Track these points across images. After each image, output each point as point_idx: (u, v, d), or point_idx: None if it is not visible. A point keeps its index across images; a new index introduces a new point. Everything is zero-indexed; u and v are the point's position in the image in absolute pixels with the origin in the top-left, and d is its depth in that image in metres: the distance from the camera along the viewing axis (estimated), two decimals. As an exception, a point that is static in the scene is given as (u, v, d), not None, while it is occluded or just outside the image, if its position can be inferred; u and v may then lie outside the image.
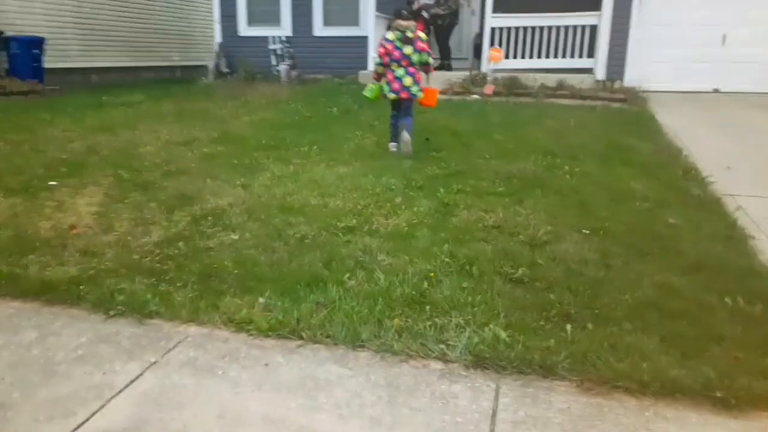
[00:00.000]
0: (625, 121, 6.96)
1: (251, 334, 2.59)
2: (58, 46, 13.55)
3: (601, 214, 3.89)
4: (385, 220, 3.84)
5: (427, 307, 2.75)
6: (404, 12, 5.88)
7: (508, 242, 3.49)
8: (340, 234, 3.63)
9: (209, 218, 3.95)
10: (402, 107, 5.76)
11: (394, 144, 5.80)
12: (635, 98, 8.50)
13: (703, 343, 2.44)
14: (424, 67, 5.77)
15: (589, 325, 2.60)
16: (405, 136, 5.57)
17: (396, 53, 5.59)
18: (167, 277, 3.11)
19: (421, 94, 5.73)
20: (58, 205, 4.15)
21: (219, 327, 2.66)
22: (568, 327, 2.58)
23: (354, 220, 3.82)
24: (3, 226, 3.77)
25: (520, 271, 3.08)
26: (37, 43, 11.83)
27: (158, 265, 3.26)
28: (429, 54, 5.78)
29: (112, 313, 2.78)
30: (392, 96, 5.71)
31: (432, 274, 3.07)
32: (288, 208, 4.12)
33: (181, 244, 3.53)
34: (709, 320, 2.63)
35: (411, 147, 5.55)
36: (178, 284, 3.04)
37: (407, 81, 5.61)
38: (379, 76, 5.80)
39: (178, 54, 17.99)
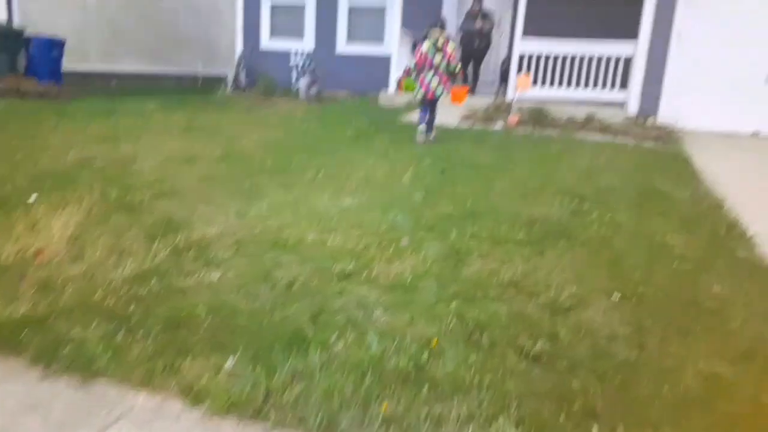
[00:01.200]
0: (659, 162, 6.46)
1: (208, 411, 2.15)
2: (78, 49, 13.44)
3: (633, 276, 3.41)
4: (387, 266, 3.40)
5: (425, 387, 2.29)
6: (439, 23, 7.20)
7: (525, 304, 3.02)
8: (335, 280, 3.20)
9: (192, 250, 3.54)
10: (429, 104, 7.09)
11: (422, 127, 7.14)
12: (670, 137, 7.99)
13: (768, 471, 1.95)
14: (452, 74, 7.10)
15: (620, 428, 2.12)
16: (431, 126, 7.16)
17: (429, 61, 6.88)
18: (129, 324, 2.69)
19: (444, 93, 7.07)
20: (31, 225, 3.77)
21: (174, 396, 2.23)
22: (594, 429, 2.11)
23: (352, 264, 3.39)
24: (-36, 248, 3.41)
25: (539, 345, 2.61)
26: (57, 44, 11.69)
27: (122, 307, 2.84)
28: (456, 64, 7.05)
29: (53, 368, 2.36)
30: (421, 94, 7.07)
31: (435, 342, 2.61)
32: (281, 243, 3.70)
33: (154, 281, 3.12)
34: (772, 435, 2.14)
35: (434, 135, 7.19)
36: (140, 334, 2.62)
37: (434, 84, 6.95)
38: (408, 73, 7.55)
39: (202, 63, 17.86)
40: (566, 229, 4.09)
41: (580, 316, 2.94)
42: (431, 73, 6.89)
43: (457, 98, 7.32)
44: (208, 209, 4.33)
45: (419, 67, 6.96)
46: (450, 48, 6.92)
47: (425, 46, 6.92)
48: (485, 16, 10.59)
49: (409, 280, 3.23)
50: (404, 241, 3.77)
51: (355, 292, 3.08)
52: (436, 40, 6.83)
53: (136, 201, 4.41)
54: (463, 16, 11.04)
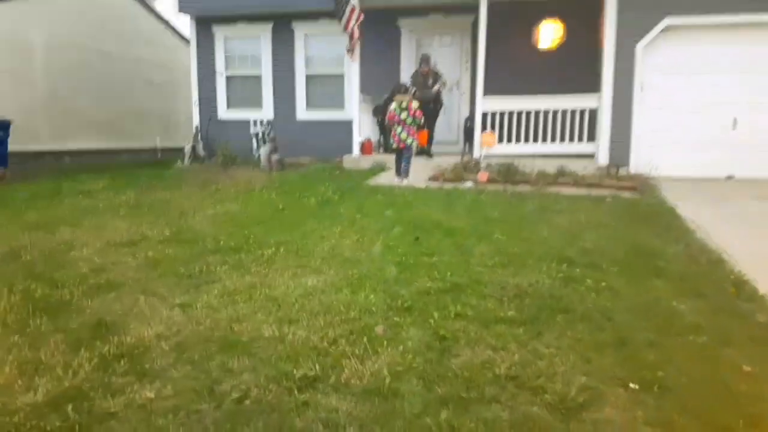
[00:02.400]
0: (642, 215, 6.11)
1: None
2: (27, 129, 12.90)
3: (647, 357, 2.91)
4: (360, 365, 2.83)
5: None
6: (402, 89, 8.69)
7: (530, 404, 2.49)
8: (296, 390, 2.62)
9: (124, 360, 2.93)
10: (402, 153, 8.43)
11: (398, 177, 8.41)
12: (646, 186, 7.74)
13: None
14: (419, 127, 8.53)
15: None
16: (406, 171, 8.39)
17: (396, 118, 8.29)
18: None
19: (414, 144, 8.53)
20: (-74, 340, 3.13)
21: None
22: None
23: (317, 365, 2.81)
24: None
25: (556, 466, 2.06)
26: (2, 126, 11.09)
27: (22, 451, 2.22)
28: (420, 118, 8.36)
29: None
30: (394, 146, 8.57)
31: (424, 473, 2.04)
32: (232, 342, 3.12)
33: (70, 408, 2.50)
34: None
35: (409, 176, 8.34)
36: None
37: (403, 136, 8.33)
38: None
39: (160, 136, 17.49)
40: (560, 301, 3.61)
41: (598, 415, 2.41)
42: (400, 127, 8.29)
43: (422, 141, 8.94)
44: (149, 302, 3.74)
45: (390, 124, 8.43)
46: (414, 106, 8.29)
47: (393, 106, 8.35)
48: (436, 75, 10.32)
49: (387, 383, 2.67)
50: (379, 329, 3.23)
51: (321, 404, 2.51)
52: (401, 102, 8.26)
53: (64, 299, 3.80)
54: (414, 77, 10.57)
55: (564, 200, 6.92)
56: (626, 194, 7.38)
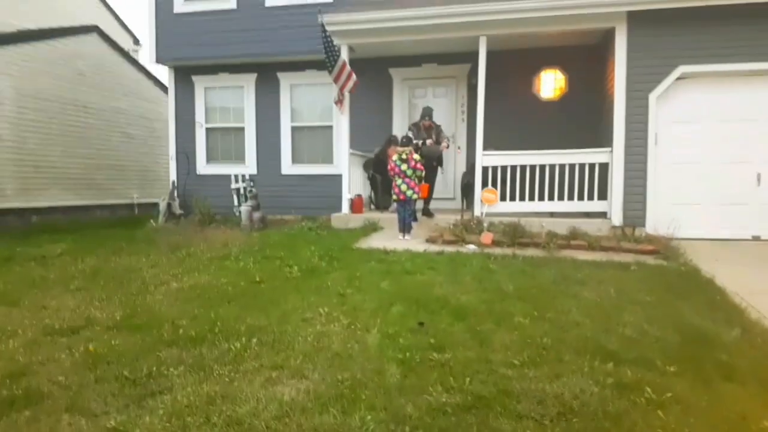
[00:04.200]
0: (677, 287, 5.29)
1: None
2: (-10, 185, 12.03)
3: None
4: None
5: None
6: (403, 140, 8.48)
7: None
8: None
9: None
10: (404, 205, 8.16)
11: (401, 235, 8.12)
12: (668, 250, 6.94)
13: None
14: (420, 180, 8.33)
15: None
16: (409, 227, 8.19)
17: (397, 169, 8.13)
18: None
19: (415, 197, 8.23)
20: None
21: None
22: None
23: None
24: None
25: None
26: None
27: None
28: (421, 171, 8.25)
29: None
30: (395, 198, 8.29)
31: None
32: (172, 507, 2.18)
33: None
34: None
35: (413, 232, 8.22)
36: None
37: (404, 188, 8.12)
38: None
39: (138, 191, 16.64)
40: (619, 422, 2.71)
41: None
42: (400, 179, 8.10)
43: (423, 194, 8.83)
44: (74, 426, 2.79)
45: (392, 176, 8.23)
46: (414, 158, 8.12)
47: (394, 157, 8.22)
48: (438, 130, 9.55)
49: None
50: (382, 481, 2.30)
51: None
52: (401, 154, 8.12)
53: (-43, 423, 2.84)
54: (412, 131, 9.76)
55: (584, 267, 6.08)
56: (650, 260, 6.57)
